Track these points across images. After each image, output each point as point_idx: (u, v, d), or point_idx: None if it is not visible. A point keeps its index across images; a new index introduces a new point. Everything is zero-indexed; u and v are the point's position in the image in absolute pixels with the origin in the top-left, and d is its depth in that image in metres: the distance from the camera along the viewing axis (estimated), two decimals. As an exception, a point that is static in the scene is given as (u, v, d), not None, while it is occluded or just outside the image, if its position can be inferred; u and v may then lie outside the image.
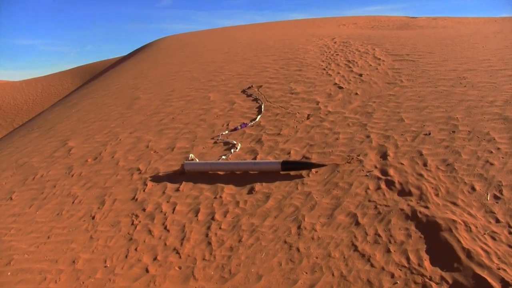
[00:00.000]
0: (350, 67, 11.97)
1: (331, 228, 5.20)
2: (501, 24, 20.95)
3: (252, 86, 11.51)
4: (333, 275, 4.48)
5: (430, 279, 4.15)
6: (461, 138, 6.62)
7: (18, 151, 10.76)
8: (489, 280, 3.95)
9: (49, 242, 6.15)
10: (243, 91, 11.28)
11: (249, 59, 15.60)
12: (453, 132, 6.85)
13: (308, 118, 8.55)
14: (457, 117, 7.34)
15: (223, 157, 7.57)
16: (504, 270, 4.05)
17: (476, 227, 4.66)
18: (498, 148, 6.17)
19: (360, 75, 10.95)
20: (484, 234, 4.57)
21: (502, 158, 5.92)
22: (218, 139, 8.43)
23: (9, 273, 5.60)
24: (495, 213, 4.88)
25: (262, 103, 9.92)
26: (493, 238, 4.50)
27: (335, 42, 16.46)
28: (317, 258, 4.77)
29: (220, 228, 5.68)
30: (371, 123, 7.73)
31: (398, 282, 4.21)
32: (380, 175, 6.03)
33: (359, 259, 4.62)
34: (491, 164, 5.81)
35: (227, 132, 8.69)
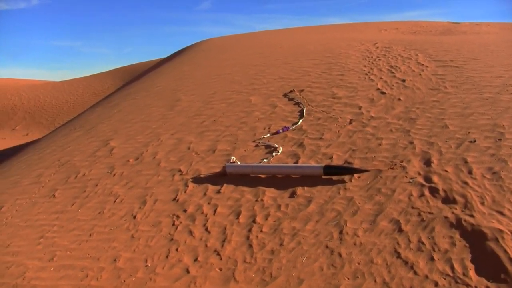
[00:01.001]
0: (392, 72, 11.85)
1: (373, 234, 5.16)
2: (548, 30, 20.49)
3: (293, 90, 11.48)
4: (375, 281, 4.45)
5: (476, 289, 4.09)
6: (507, 146, 6.50)
7: (61, 150, 10.95)
8: (538, 292, 3.88)
9: (91, 240, 6.25)
10: (285, 95, 11.27)
11: (290, 63, 15.58)
12: (499, 140, 6.73)
13: (350, 123, 8.50)
14: (503, 125, 7.21)
15: (265, 160, 7.58)
16: (554, 282, 3.97)
17: (524, 238, 4.58)
18: (546, 158, 6.05)
19: (403, 80, 10.84)
20: (532, 245, 4.48)
21: (551, 167, 5.81)
22: (259, 142, 8.44)
23: (52, 269, 5.71)
24: (543, 223, 4.79)
25: (304, 107, 9.90)
26: (542, 250, 4.41)
27: (377, 47, 16.32)
28: (359, 264, 4.74)
29: (261, 231, 5.68)
30: (414, 129, 7.64)
31: (443, 291, 4.16)
32: (423, 182, 5.96)
33: (402, 266, 4.57)
34: (539, 173, 5.71)
35: (268, 135, 8.69)
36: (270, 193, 6.54)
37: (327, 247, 5.11)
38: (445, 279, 4.28)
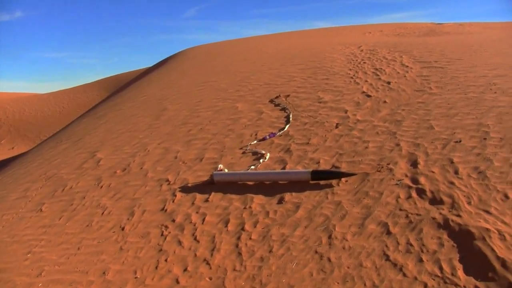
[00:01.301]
0: (377, 75, 11.91)
1: (362, 237, 5.17)
2: (531, 28, 20.67)
3: (279, 95, 11.50)
4: (365, 285, 4.45)
5: (464, 288, 4.10)
6: (492, 145, 6.54)
7: (47, 163, 10.90)
8: (526, 290, 3.89)
9: (79, 253, 6.20)
10: (271, 101, 11.28)
11: (276, 68, 15.61)
12: (485, 139, 6.76)
13: (336, 127, 8.52)
14: (488, 124, 7.25)
15: (252, 167, 7.58)
16: (541, 279, 3.98)
17: (511, 236, 4.59)
18: (531, 155, 6.08)
19: (388, 83, 10.88)
20: (519, 242, 4.50)
21: (536, 165, 5.84)
22: (246, 149, 8.44)
23: (40, 284, 5.65)
24: (529, 221, 4.81)
25: (290, 113, 9.91)
26: (529, 247, 4.43)
27: (361, 50, 16.39)
28: (348, 268, 4.74)
29: (250, 238, 5.67)
30: (400, 131, 7.67)
31: (432, 292, 4.17)
32: (411, 184, 5.97)
33: (391, 269, 4.57)
34: (524, 171, 5.73)
35: (255, 142, 8.69)
36: (258, 200, 6.53)
37: (316, 252, 5.10)
38: (434, 279, 4.28)
